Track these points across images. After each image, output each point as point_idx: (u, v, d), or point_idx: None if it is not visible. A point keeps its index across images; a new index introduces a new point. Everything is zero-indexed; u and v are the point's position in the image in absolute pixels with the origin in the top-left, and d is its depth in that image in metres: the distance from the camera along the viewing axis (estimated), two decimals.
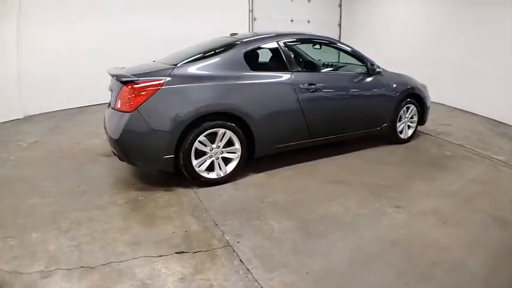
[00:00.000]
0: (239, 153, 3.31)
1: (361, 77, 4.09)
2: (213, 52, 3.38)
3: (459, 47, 6.12)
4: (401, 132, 4.51)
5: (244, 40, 3.53)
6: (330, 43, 4.11)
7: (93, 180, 3.32)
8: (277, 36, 3.71)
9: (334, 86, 3.87)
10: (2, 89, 5.33)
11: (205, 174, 3.20)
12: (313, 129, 3.73)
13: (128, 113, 2.89)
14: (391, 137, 4.48)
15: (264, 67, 3.71)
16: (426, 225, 2.69)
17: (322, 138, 3.86)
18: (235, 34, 3.95)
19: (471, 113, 6.11)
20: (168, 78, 3.00)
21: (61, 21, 5.88)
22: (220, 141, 3.20)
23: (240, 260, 2.17)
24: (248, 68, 3.36)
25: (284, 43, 3.67)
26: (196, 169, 3.15)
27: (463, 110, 6.24)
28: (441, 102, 6.60)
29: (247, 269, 2.09)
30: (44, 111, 5.96)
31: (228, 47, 3.44)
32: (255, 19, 7.92)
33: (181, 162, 3.07)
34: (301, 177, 3.50)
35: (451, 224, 2.71)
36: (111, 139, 3.05)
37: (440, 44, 6.44)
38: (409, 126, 4.60)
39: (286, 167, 3.69)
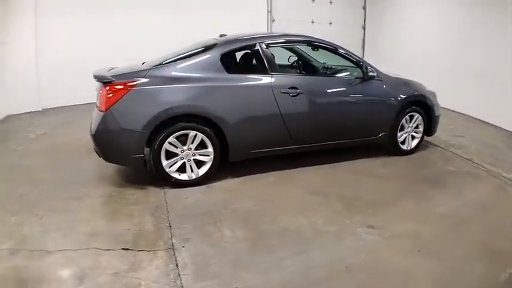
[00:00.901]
0: (212, 157, 3.18)
1: (354, 82, 3.73)
2: (191, 54, 3.28)
3: (484, 55, 5.45)
4: (403, 142, 4.04)
5: (223, 42, 3.36)
6: (320, 45, 3.77)
7: (82, 173, 3.41)
8: (259, 37, 3.47)
9: (320, 90, 3.57)
10: (21, 82, 5.54)
11: (176, 175, 3.14)
12: (296, 136, 3.45)
13: (103, 112, 2.94)
14: (391, 148, 4.01)
15: (243, 69, 3.48)
16: (396, 251, 2.32)
17: (308, 145, 3.57)
18: (224, 35, 3.76)
19: (491, 124, 5.40)
20: (142, 80, 3.00)
21: (79, 16, 5.98)
22: (192, 143, 3.11)
23: (176, 265, 2.12)
24: (224, 70, 3.20)
25: (266, 45, 3.40)
26: (167, 169, 3.09)
27: (483, 121, 5.54)
28: (462, 112, 5.94)
29: (179, 275, 2.03)
30: (61, 105, 6.11)
31: (206, 48, 3.32)
32: (274, 20, 7.66)
33: (151, 161, 3.04)
34: (279, 184, 3.26)
35: (427, 252, 2.32)
36: (90, 136, 3.12)
37: (465, 50, 5.78)
38: (413, 137, 4.11)
39: (267, 173, 3.46)
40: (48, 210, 2.70)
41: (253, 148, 3.33)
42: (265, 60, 3.34)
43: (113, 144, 2.98)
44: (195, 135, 3.07)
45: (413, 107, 3.96)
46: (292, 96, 3.34)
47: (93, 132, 3.00)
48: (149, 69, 3.11)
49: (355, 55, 3.81)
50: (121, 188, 3.13)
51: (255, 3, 7.44)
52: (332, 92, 3.63)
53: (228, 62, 3.30)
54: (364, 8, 8.31)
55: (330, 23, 8.08)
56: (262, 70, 3.34)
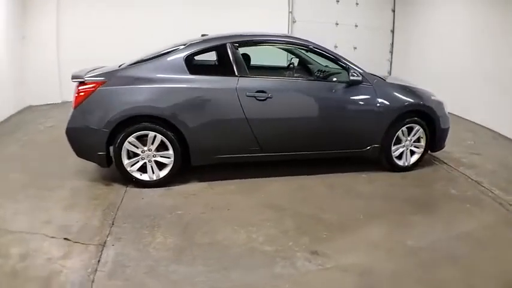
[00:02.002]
0: (172, 159, 3.00)
1: (336, 87, 3.27)
2: (160, 54, 3.09)
3: None
4: (400, 157, 3.49)
5: (190, 43, 3.12)
6: (297, 45, 3.42)
7: (65, 166, 3.41)
8: (228, 37, 3.16)
9: (293, 95, 3.18)
10: (42, 74, 5.77)
11: (137, 175, 3.04)
12: (265, 143, 3.11)
13: (73, 110, 2.97)
14: (385, 163, 3.48)
15: (209, 71, 3.18)
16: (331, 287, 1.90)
17: (279, 154, 3.21)
18: (206, 35, 3.51)
19: None
20: (108, 80, 2.95)
21: (100, 11, 6.07)
22: (152, 144, 2.96)
23: (98, 261, 2.10)
24: (187, 71, 2.99)
25: (236, 45, 3.10)
26: (128, 168, 3.01)
27: (510, 139, 4.68)
28: (489, 127, 5.08)
29: (96, 270, 2.02)
30: None
31: (174, 49, 3.10)
32: (295, 21, 7.26)
33: (113, 160, 3.00)
34: (239, 193, 2.97)
35: None
36: None
37: (503, 58, 4.91)
38: (413, 152, 3.55)
39: (234, 180, 3.17)
40: (26, 196, 2.84)
41: (217, 153, 3.06)
42: (232, 62, 3.04)
43: (81, 141, 2.98)
44: (155, 136, 2.93)
45: (413, 117, 3.41)
46: (260, 100, 3.00)
47: (65, 129, 2.99)
48: (119, 69, 3.06)
49: (340, 56, 3.35)
50: (92, 182, 3.13)
51: (276, 3, 7.07)
52: (308, 97, 3.23)
53: (195, 64, 3.12)
54: (393, 11, 7.56)
55: (356, 26, 7.47)
56: (228, 72, 3.04)
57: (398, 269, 2.08)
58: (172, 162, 2.98)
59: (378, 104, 3.29)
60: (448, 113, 3.69)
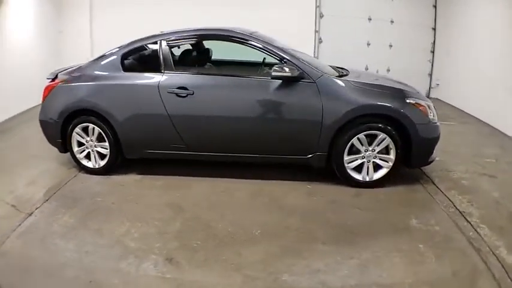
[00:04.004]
0: (108, 150, 3.29)
1: (272, 83, 3.04)
2: (106, 53, 3.37)
3: None
4: (359, 170, 3.12)
5: (131, 41, 3.33)
6: (234, 40, 3.22)
7: (51, 151, 3.66)
8: (160, 35, 3.27)
9: (218, 92, 3.12)
10: None
11: (84, 162, 3.41)
12: (189, 141, 3.17)
13: (41, 104, 3.45)
14: (339, 175, 3.14)
15: (140, 68, 3.32)
16: None
17: (207, 153, 3.22)
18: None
19: None
20: (66, 77, 3.34)
21: (132, 7, 6.59)
22: (93, 135, 3.30)
23: (19, 225, 2.56)
24: (121, 68, 3.22)
25: (167, 42, 3.20)
26: (77, 155, 3.39)
27: None
28: None
29: (13, 230, 2.49)
30: None
31: (118, 47, 3.35)
32: (322, 16, 6.95)
33: (68, 147, 3.39)
34: (159, 189, 3.13)
35: None
36: None
37: None
38: (378, 165, 3.11)
39: (165, 176, 3.32)
40: (10, 172, 3.46)
41: (146, 148, 3.24)
42: (161, 58, 3.15)
43: (46, 130, 3.43)
44: (93, 129, 3.26)
45: (375, 123, 2.99)
46: (181, 97, 3.05)
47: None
48: (79, 67, 3.42)
49: (282, 50, 3.14)
50: (60, 166, 3.57)
51: None
52: (234, 94, 3.11)
53: (131, 61, 3.31)
54: (435, 7, 6.67)
55: (392, 22, 6.82)
56: (156, 68, 3.17)
57: None
58: (109, 153, 3.27)
59: (321, 105, 2.98)
60: (435, 123, 3.15)
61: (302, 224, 2.61)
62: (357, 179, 3.13)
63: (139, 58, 3.40)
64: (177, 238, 2.39)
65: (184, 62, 3.54)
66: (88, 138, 3.30)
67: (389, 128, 2.99)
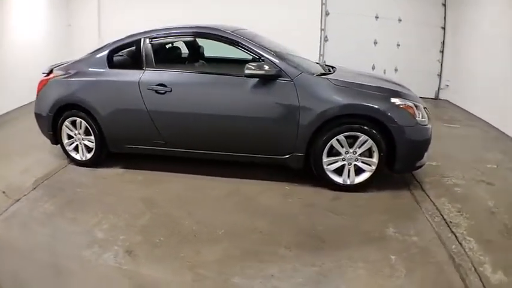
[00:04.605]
0: (94, 143, 3.46)
1: (249, 81, 3.03)
2: (98, 49, 3.52)
3: None
4: (339, 172, 3.06)
5: (117, 39, 3.47)
6: (212, 37, 3.29)
7: (48, 143, 3.83)
8: (143, 33, 3.38)
9: (195, 89, 3.18)
10: None
11: (73, 154, 3.61)
12: (168, 137, 3.28)
13: (36, 98, 3.65)
14: (318, 177, 3.10)
15: (125, 65, 3.46)
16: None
17: (185, 150, 3.31)
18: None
19: None
20: (59, 72, 3.51)
21: (139, 3, 6.80)
22: (80, 128, 3.47)
23: (6, 210, 2.80)
24: (107, 65, 3.36)
25: (150, 40, 3.31)
26: (66, 148, 3.60)
27: None
28: None
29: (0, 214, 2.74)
30: None
31: (105, 45, 3.50)
32: (328, 14, 6.88)
33: (59, 139, 3.58)
34: (138, 184, 3.26)
35: None
36: None
37: None
38: (361, 169, 3.04)
39: (147, 171, 3.44)
40: (9, 160, 3.71)
41: (128, 143, 3.38)
42: (143, 55, 3.27)
43: (39, 122, 3.64)
44: (81, 122, 3.43)
45: (356, 124, 2.92)
46: (159, 93, 3.15)
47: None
48: (71, 63, 3.57)
49: (261, 48, 3.12)
50: (54, 157, 3.76)
51: None
52: (211, 92, 3.15)
53: (116, 58, 3.45)
54: (444, 5, 6.48)
55: (399, 20, 6.68)
56: (138, 65, 3.29)
57: None
58: (95, 146, 3.43)
59: (298, 104, 2.94)
60: (424, 125, 3.02)
61: (269, 227, 2.60)
62: (337, 182, 3.07)
63: (123, 55, 3.54)
64: (142, 232, 2.51)
65: (166, 59, 3.61)
66: (76, 132, 3.48)
67: (370, 129, 2.90)
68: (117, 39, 3.47)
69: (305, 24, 6.89)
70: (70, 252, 2.31)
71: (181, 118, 3.20)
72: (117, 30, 6.51)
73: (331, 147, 2.99)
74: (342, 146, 2.99)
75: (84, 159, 3.52)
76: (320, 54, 7.14)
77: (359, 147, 2.97)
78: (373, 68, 7.02)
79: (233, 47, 3.18)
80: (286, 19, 6.77)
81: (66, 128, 3.48)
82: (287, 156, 3.10)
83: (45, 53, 5.95)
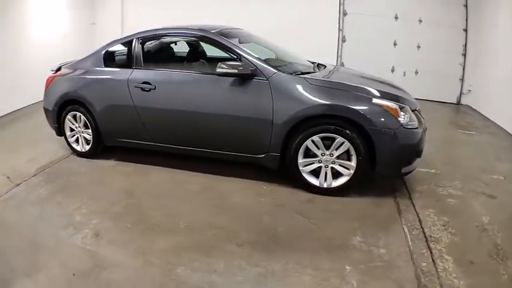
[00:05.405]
0: (91, 136, 3.84)
1: (226, 80, 3.15)
2: (97, 49, 3.90)
3: None
4: (316, 174, 3.08)
5: (114, 40, 3.83)
6: (197, 38, 3.57)
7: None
8: (135, 34, 3.68)
9: (175, 87, 3.40)
10: None
11: (74, 146, 4.04)
12: (154, 133, 3.56)
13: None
14: (294, 178, 3.15)
15: (118, 64, 3.77)
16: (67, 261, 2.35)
17: (168, 146, 3.56)
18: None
19: None
20: (64, 70, 3.92)
21: (162, 1, 7.19)
22: (80, 122, 3.86)
23: (6, 192, 3.22)
24: (102, 64, 3.71)
25: (141, 40, 3.61)
26: (69, 139, 4.02)
27: None
28: None
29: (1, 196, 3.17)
30: None
31: (105, 44, 3.87)
32: (346, 14, 6.87)
33: (62, 132, 4.01)
34: (126, 175, 3.57)
35: None
36: None
37: None
38: (340, 172, 3.03)
39: (137, 164, 3.75)
40: (18, 150, 4.16)
41: (120, 137, 3.72)
42: (133, 55, 3.58)
43: (46, 115, 4.10)
44: (80, 116, 3.82)
45: (333, 125, 2.91)
46: (145, 91, 3.43)
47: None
48: (76, 62, 3.96)
49: (238, 47, 3.28)
50: (60, 147, 4.17)
51: None
52: (190, 90, 3.32)
53: (111, 57, 3.78)
54: (466, 6, 6.21)
55: (420, 21, 6.52)
56: (128, 64, 3.62)
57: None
58: (91, 139, 3.82)
59: (272, 104, 3.01)
60: (412, 128, 2.93)
61: (230, 223, 2.71)
62: (313, 184, 3.09)
63: (117, 55, 3.88)
64: (114, 219, 2.81)
65: (154, 59, 3.78)
66: (77, 125, 3.88)
67: (348, 131, 2.87)
68: (114, 39, 3.84)
69: (322, 24, 6.94)
70: (49, 231, 2.67)
71: (163, 114, 3.44)
72: (140, 28, 7.07)
73: (309, 148, 3.02)
74: (318, 148, 2.99)
75: (83, 150, 3.93)
76: (338, 55, 7.14)
77: (336, 150, 2.96)
78: (393, 70, 6.92)
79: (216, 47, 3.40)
80: (303, 19, 6.88)
81: (68, 122, 3.90)
82: (263, 155, 3.19)
83: (70, 51, 6.48)
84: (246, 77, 3.09)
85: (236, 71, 3.03)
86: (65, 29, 6.61)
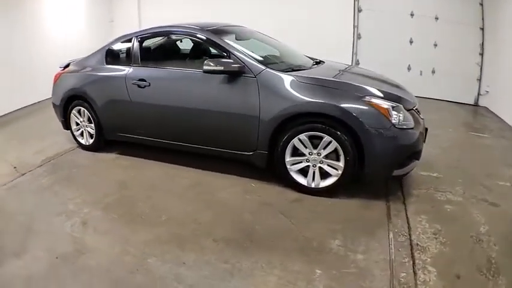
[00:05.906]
0: (94, 131, 4.10)
1: (219, 77, 3.19)
2: (101, 47, 4.13)
3: None
4: (304, 173, 3.07)
5: (115, 38, 4.04)
6: (187, 36, 3.68)
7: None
8: (134, 33, 3.88)
9: (168, 84, 3.54)
10: None
11: (79, 139, 4.31)
12: (148, 128, 3.74)
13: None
14: (281, 176, 3.16)
15: (117, 61, 3.95)
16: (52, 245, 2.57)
17: (161, 141, 3.72)
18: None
19: None
20: (71, 67, 4.18)
21: (178, 2, 7.40)
22: (84, 117, 4.12)
23: (12, 181, 3.53)
24: (104, 62, 3.93)
25: (138, 39, 3.78)
26: (74, 133, 4.32)
27: None
28: None
29: (5, 184, 3.47)
30: None
31: (109, 43, 4.09)
32: (361, 10, 6.79)
33: (68, 126, 4.30)
34: (124, 168, 3.77)
35: None
36: None
37: None
38: (327, 172, 3.01)
39: (135, 158, 3.96)
40: (27, 141, 4.52)
41: (119, 131, 3.94)
42: (132, 53, 3.77)
43: (54, 110, 4.40)
44: (84, 111, 4.08)
45: (320, 125, 2.89)
46: (141, 87, 3.61)
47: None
48: (82, 59, 4.20)
49: (228, 44, 3.31)
50: (67, 140, 4.46)
51: None
52: (181, 87, 3.45)
53: (112, 55, 3.99)
54: (481, 4, 5.97)
55: (436, 18, 6.33)
56: (127, 62, 3.81)
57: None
58: (94, 133, 4.07)
59: (259, 101, 3.05)
60: (407, 129, 2.85)
61: (210, 219, 2.78)
62: (301, 184, 3.09)
63: (117, 53, 4.08)
64: (104, 209, 3.02)
65: (151, 56, 3.89)
66: (81, 119, 4.14)
67: (335, 130, 2.83)
68: (116, 37, 4.05)
69: (337, 21, 6.93)
70: (43, 217, 2.92)
71: (157, 110, 3.60)
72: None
73: (296, 147, 3.01)
74: (306, 147, 2.97)
75: (87, 144, 4.20)
76: (353, 53, 7.07)
77: (323, 149, 2.93)
78: (409, 68, 6.79)
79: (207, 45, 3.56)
80: (318, 16, 6.88)
81: (74, 116, 4.18)
82: (251, 153, 3.22)
83: (87, 49, 6.82)
84: (233, 74, 3.14)
85: (222, 68, 3.07)
86: (85, 27, 6.96)
